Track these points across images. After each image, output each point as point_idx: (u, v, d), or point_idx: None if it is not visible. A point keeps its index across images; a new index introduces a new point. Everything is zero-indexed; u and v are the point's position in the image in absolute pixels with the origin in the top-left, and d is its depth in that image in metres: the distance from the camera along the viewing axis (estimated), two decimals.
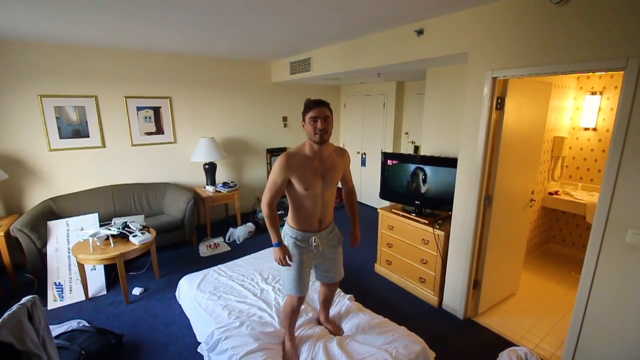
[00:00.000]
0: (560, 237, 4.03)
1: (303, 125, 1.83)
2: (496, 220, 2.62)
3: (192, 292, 2.65)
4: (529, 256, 3.77)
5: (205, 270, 2.95)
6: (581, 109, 3.65)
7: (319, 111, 1.75)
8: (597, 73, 3.43)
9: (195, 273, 2.92)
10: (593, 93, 3.54)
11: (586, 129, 3.65)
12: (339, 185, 2.10)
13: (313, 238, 1.94)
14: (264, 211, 1.87)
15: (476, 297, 2.77)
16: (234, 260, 3.18)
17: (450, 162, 2.86)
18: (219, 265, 3.05)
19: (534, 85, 2.61)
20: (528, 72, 2.10)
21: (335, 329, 2.26)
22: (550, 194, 3.71)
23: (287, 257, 1.89)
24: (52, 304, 2.93)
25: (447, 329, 2.65)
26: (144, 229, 3.21)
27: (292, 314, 2.05)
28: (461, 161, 2.62)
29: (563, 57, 1.92)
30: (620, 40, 1.70)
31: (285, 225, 2.01)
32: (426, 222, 2.94)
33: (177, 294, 2.94)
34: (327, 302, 2.29)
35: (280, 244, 1.89)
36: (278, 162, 1.80)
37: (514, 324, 2.68)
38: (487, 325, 2.67)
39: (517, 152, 2.62)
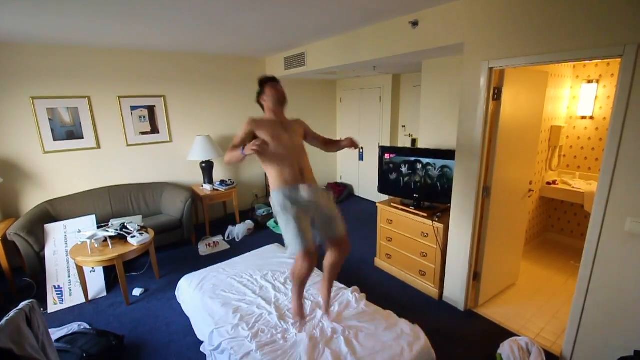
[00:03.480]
0: (559, 226, 4.04)
1: (262, 100, 2.12)
2: (495, 211, 2.62)
3: (191, 291, 2.64)
4: (528, 246, 3.78)
5: (204, 269, 2.94)
6: (578, 97, 3.64)
7: (274, 87, 2.09)
8: (593, 61, 3.41)
9: (194, 272, 2.91)
10: (589, 81, 3.52)
11: (583, 117, 3.64)
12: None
13: (300, 186, 2.01)
14: (228, 154, 1.94)
15: (476, 289, 2.78)
16: (233, 259, 3.17)
17: (448, 155, 2.84)
18: (218, 264, 3.04)
19: (531, 74, 2.59)
20: (524, 62, 2.08)
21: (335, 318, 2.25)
22: (548, 183, 3.71)
23: (257, 142, 1.81)
24: (52, 307, 2.92)
25: (448, 321, 2.66)
26: (142, 229, 3.19)
27: (301, 284, 2.08)
28: (459, 153, 2.61)
29: (559, 46, 1.90)
30: (617, 26, 1.68)
31: (271, 195, 2.03)
32: (425, 215, 2.94)
33: (177, 293, 2.93)
34: (333, 271, 2.18)
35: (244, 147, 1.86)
36: (245, 123, 2.01)
37: (514, 314, 2.70)
38: (488, 316, 2.68)
39: (515, 142, 2.61)
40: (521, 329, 2.53)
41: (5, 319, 1.41)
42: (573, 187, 3.53)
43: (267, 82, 2.12)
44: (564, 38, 1.88)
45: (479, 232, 2.65)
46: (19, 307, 1.51)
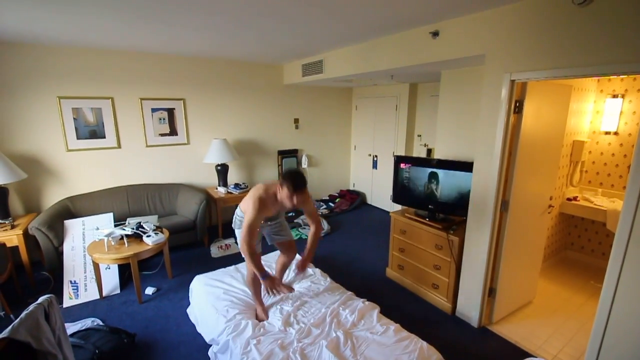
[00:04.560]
0: (579, 244, 3.91)
1: (279, 189, 2.11)
2: (513, 226, 2.55)
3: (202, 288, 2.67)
4: (546, 263, 3.66)
5: (216, 271, 2.95)
6: (602, 112, 3.54)
7: (300, 194, 2.08)
8: (619, 76, 3.32)
9: (207, 274, 2.93)
10: (614, 96, 3.43)
11: (607, 132, 3.53)
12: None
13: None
14: (246, 253, 2.08)
15: (491, 305, 2.70)
16: (243, 263, 3.17)
17: (465, 166, 2.80)
18: (228, 267, 3.04)
19: (554, 88, 2.54)
20: (548, 75, 2.04)
21: (287, 289, 2.66)
22: (568, 199, 3.60)
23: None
24: (67, 302, 2.98)
25: (460, 337, 2.59)
26: (158, 229, 3.24)
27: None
28: (477, 165, 2.56)
29: (586, 60, 1.86)
30: None
31: (238, 209, 2.42)
32: (440, 227, 2.89)
33: (190, 295, 2.95)
34: (283, 269, 2.70)
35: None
36: (254, 206, 2.09)
37: (530, 334, 2.61)
38: (503, 335, 2.60)
39: (535, 156, 2.55)
40: (537, 349, 2.45)
41: (24, 312, 1.45)
42: (595, 204, 3.41)
43: (292, 189, 2.06)
44: (591, 52, 1.83)
45: (496, 247, 2.58)
46: (38, 302, 1.55)
